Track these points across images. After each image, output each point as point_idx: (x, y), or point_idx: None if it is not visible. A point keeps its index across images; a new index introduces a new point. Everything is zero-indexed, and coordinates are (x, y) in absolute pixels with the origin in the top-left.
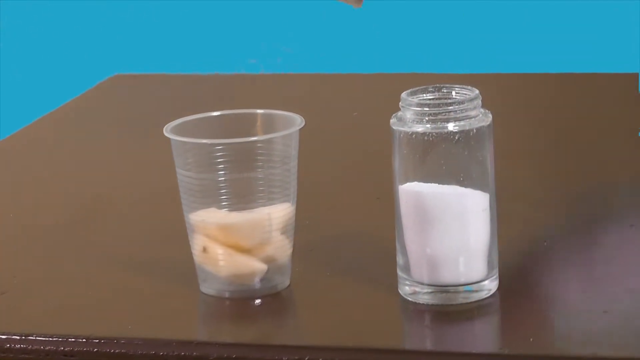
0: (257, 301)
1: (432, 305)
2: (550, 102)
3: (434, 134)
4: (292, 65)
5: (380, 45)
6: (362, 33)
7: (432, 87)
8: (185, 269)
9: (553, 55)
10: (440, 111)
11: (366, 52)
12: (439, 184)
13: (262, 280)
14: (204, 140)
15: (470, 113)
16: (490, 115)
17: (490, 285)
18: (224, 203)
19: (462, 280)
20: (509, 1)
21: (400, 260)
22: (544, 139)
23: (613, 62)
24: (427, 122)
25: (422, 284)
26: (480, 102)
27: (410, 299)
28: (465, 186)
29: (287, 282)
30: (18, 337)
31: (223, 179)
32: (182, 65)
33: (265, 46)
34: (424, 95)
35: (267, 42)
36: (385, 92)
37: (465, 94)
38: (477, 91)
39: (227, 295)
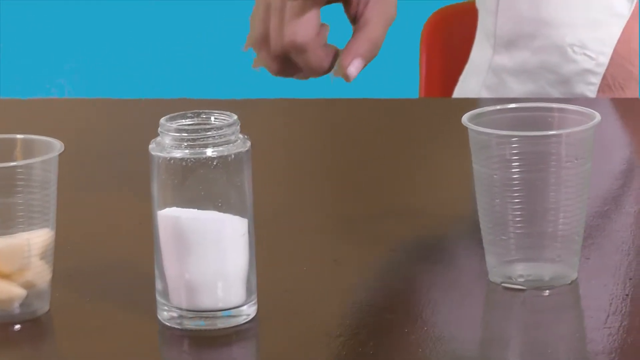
0: (17, 327)
1: (191, 330)
2: (311, 128)
3: (192, 159)
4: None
5: (142, 71)
6: (125, 59)
7: (191, 113)
8: None
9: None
10: (199, 137)
11: (129, 77)
12: (197, 209)
13: (21, 305)
14: None
15: (229, 139)
16: (248, 141)
17: (249, 311)
18: None
19: (221, 305)
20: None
21: (159, 285)
22: (304, 164)
23: (378, 88)
24: (186, 147)
25: (181, 309)
26: (238, 127)
27: (168, 324)
28: (224, 211)
29: (46, 308)
30: None
31: None
32: None
33: (38, 72)
34: (183, 120)
35: (38, 68)
36: (149, 117)
37: (224, 120)
38: (235, 117)
39: None
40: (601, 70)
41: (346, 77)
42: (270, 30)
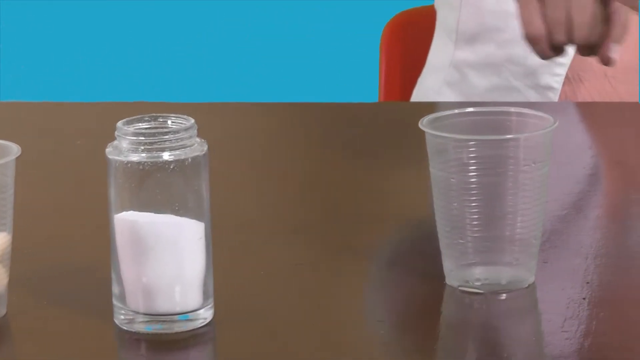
0: None
1: (148, 334)
2: (270, 132)
3: (149, 163)
4: (13, 94)
5: (98, 74)
6: (80, 62)
7: (148, 117)
8: None
9: (267, 85)
10: (156, 140)
11: (85, 80)
12: (154, 213)
13: None
14: None
15: (186, 142)
16: (206, 145)
17: (206, 314)
18: None
19: (178, 309)
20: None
21: (115, 289)
22: (263, 168)
23: (330, 92)
24: (143, 151)
25: (138, 313)
26: (195, 131)
27: (125, 328)
28: (181, 215)
29: (3, 312)
30: None
31: None
32: None
33: None
34: (140, 124)
35: None
36: (106, 120)
37: (181, 123)
38: (192, 120)
39: None
40: (567, 61)
41: (611, 63)
42: (555, 25)
